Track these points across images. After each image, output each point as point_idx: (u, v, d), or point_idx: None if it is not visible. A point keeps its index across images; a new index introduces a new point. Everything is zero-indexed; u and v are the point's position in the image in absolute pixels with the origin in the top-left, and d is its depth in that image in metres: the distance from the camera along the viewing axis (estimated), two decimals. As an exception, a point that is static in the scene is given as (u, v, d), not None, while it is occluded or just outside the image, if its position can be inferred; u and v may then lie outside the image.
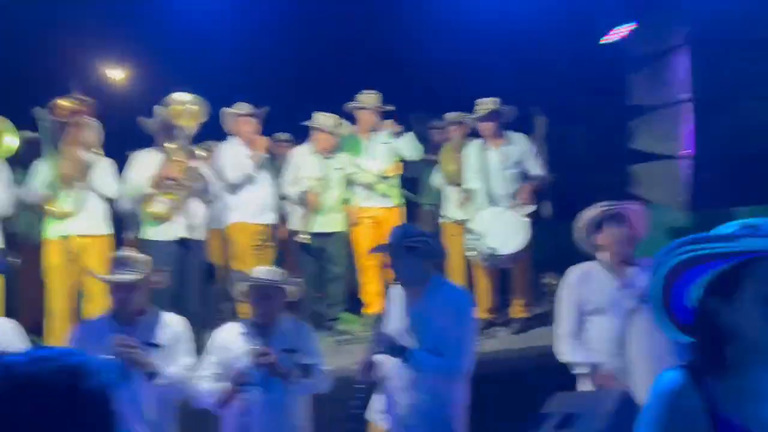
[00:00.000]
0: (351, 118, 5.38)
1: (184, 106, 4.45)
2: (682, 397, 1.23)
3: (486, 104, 4.88)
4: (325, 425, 3.62)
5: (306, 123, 5.17)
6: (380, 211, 5.16)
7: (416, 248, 2.84)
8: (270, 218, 5.07)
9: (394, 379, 2.88)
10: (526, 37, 6.55)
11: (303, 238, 4.99)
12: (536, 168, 4.97)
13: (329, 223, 5.13)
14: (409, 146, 5.27)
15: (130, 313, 2.85)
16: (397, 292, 2.90)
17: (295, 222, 5.13)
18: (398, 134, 5.22)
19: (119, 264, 2.86)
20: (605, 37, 4.33)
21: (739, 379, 1.23)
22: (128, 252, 2.95)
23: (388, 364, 2.86)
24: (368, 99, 5.23)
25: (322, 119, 5.11)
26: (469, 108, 5.10)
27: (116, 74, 7.42)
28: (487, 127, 4.89)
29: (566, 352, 3.13)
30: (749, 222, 1.21)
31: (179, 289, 4.67)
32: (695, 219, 4.20)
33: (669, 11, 3.17)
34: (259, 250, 4.93)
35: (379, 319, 2.85)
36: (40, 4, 5.95)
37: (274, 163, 5.93)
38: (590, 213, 3.07)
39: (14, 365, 0.89)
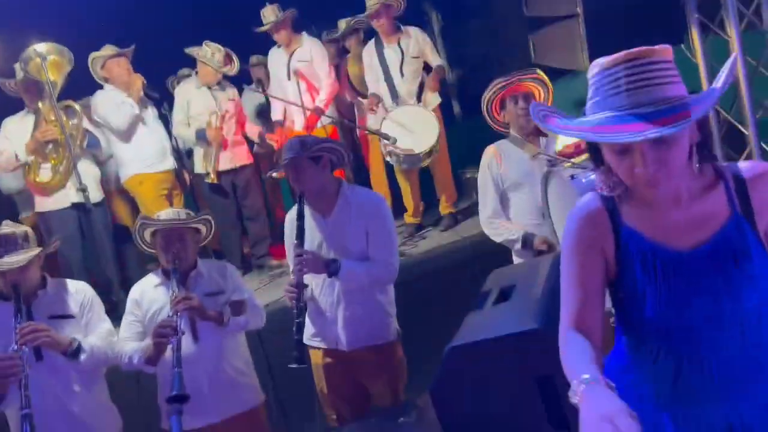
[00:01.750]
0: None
1: (43, 58, 3.96)
2: (591, 212, 1.41)
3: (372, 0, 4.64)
4: (270, 359, 3.55)
5: (187, 51, 4.73)
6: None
7: (320, 157, 2.68)
8: (169, 164, 4.69)
9: (324, 296, 2.78)
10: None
11: (211, 178, 4.69)
12: (436, 59, 4.84)
13: (234, 157, 4.82)
14: None
15: (27, 292, 2.54)
16: (307, 207, 2.75)
17: (198, 163, 4.80)
18: None
19: (3, 244, 2.50)
20: None
21: (642, 196, 1.35)
22: (7, 228, 2.57)
23: (315, 281, 2.75)
24: (270, 13, 4.82)
25: (202, 50, 4.69)
26: (361, 9, 4.82)
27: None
28: (380, 23, 4.68)
29: (496, 232, 3.13)
30: None
31: (90, 257, 4.40)
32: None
33: None
34: (165, 199, 4.61)
35: (297, 239, 2.68)
36: None
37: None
38: (489, 93, 3.01)
39: None
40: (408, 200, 4.90)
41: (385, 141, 4.28)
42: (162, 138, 4.67)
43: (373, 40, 4.82)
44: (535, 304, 1.92)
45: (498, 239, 3.16)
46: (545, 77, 3.04)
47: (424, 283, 3.88)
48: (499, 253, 3.25)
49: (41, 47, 3.95)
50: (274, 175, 3.08)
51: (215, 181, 4.71)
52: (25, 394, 2.27)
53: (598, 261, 1.39)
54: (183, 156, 5.30)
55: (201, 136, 4.68)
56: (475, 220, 4.80)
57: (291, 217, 2.85)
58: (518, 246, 3.06)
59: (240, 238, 5.16)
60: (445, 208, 4.91)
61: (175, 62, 5.52)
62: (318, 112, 4.66)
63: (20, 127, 4.16)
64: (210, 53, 4.71)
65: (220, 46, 4.74)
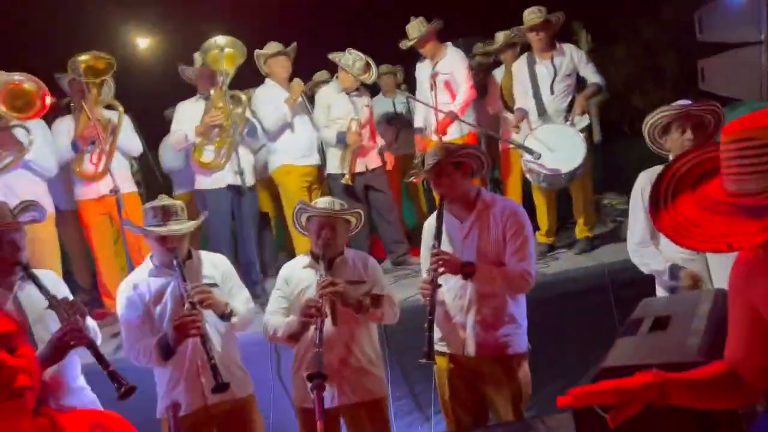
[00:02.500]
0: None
1: (221, 50, 4.35)
2: (744, 258, 1.29)
3: (533, 13, 4.59)
4: (392, 356, 3.63)
5: (330, 57, 4.95)
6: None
7: (462, 164, 2.75)
8: (315, 159, 4.97)
9: (455, 300, 2.82)
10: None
11: (346, 180, 4.87)
12: (593, 76, 4.66)
13: (367, 160, 4.98)
14: None
15: (180, 260, 2.75)
16: (446, 212, 2.81)
17: (334, 164, 4.97)
18: None
19: (165, 214, 2.76)
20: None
21: None
22: (167, 200, 2.85)
23: (446, 284, 2.79)
24: (414, 29, 4.91)
25: (344, 57, 4.87)
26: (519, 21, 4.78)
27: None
28: (538, 38, 4.61)
29: (643, 261, 2.99)
30: None
31: (235, 237, 4.72)
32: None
33: None
34: (307, 191, 4.86)
35: (434, 239, 2.75)
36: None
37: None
38: (656, 117, 2.87)
39: None
40: (543, 219, 4.80)
41: (528, 156, 4.24)
42: (312, 134, 4.94)
43: (525, 55, 4.78)
44: (698, 337, 1.82)
45: (644, 269, 3.02)
46: (720, 108, 2.86)
47: (555, 305, 3.79)
48: (638, 283, 3.11)
49: (221, 40, 4.34)
50: (413, 179, 3.16)
51: (350, 183, 4.88)
52: (208, 347, 2.51)
53: (749, 310, 1.32)
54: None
55: (340, 138, 4.85)
56: (612, 247, 4.66)
57: (430, 221, 2.93)
58: (665, 277, 2.90)
59: (368, 239, 5.31)
60: (581, 232, 4.77)
61: (317, 64, 5.79)
62: (451, 116, 4.68)
63: (192, 111, 4.56)
64: (351, 60, 4.87)
65: (361, 54, 4.89)
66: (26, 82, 3.78)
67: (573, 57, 4.65)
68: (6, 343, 1.88)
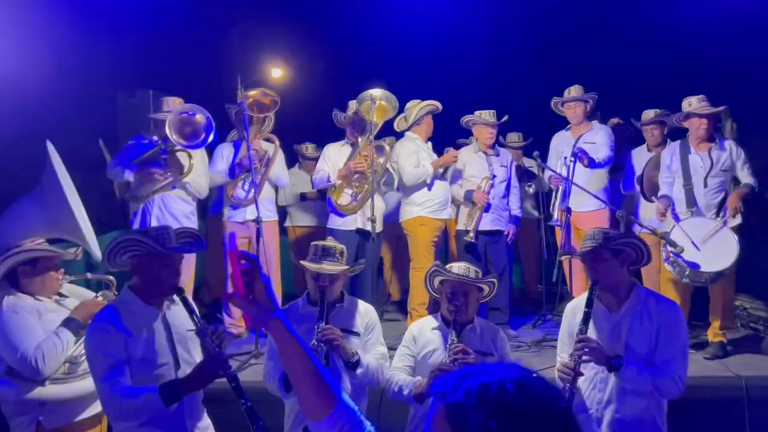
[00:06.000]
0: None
1: (375, 101, 4.57)
2: None
3: (702, 101, 4.41)
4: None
5: (465, 118, 5.13)
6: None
7: (620, 252, 2.66)
8: (447, 213, 5.09)
9: (593, 392, 2.70)
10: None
11: (468, 237, 4.91)
12: (746, 176, 4.43)
13: (495, 220, 5.01)
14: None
15: (329, 301, 2.84)
16: (595, 299, 2.71)
17: (462, 221, 5.08)
18: None
19: (324, 253, 2.88)
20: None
21: None
22: (330, 242, 2.99)
23: (586, 374, 2.66)
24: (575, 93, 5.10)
25: (475, 116, 5.08)
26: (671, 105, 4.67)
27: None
28: (697, 127, 4.41)
29: None
30: None
31: (354, 280, 4.83)
32: None
33: None
34: (434, 246, 4.94)
35: (582, 324, 2.64)
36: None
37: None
38: None
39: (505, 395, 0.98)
40: (674, 314, 4.52)
41: (671, 248, 4.04)
42: (447, 189, 5.06)
43: (678, 143, 4.59)
44: None
45: None
46: None
47: (680, 413, 3.51)
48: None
49: (376, 92, 4.57)
50: (563, 258, 3.08)
51: (472, 240, 4.92)
52: None
53: None
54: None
55: (468, 196, 4.98)
56: (747, 358, 4.29)
57: (576, 304, 2.85)
58: None
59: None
60: (715, 335, 4.43)
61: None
62: (586, 157, 4.66)
63: (338, 154, 4.82)
64: (478, 113, 5.10)
65: (489, 111, 5.10)
66: (198, 113, 4.16)
67: (732, 154, 4.42)
68: None
